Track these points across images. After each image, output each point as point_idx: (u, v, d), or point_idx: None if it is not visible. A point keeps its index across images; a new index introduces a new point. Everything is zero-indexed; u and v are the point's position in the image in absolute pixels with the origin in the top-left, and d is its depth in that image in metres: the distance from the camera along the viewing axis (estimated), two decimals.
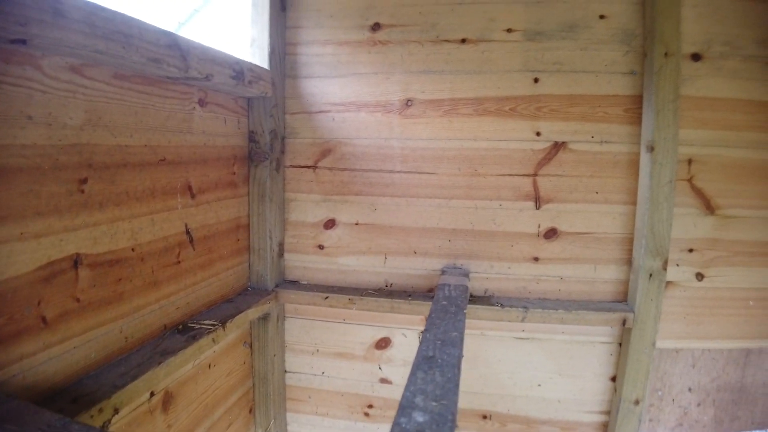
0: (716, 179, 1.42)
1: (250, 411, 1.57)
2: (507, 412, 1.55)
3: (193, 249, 1.22)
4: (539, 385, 1.51)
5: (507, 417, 1.55)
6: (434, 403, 0.60)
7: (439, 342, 0.84)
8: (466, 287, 1.29)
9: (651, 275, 1.38)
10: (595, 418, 1.53)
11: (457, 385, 0.66)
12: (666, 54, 1.33)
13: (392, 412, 1.60)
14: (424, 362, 0.74)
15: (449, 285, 1.27)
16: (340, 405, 1.62)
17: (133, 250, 0.99)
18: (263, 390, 1.56)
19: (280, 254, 1.55)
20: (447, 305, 1.09)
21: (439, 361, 0.75)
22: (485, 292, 1.47)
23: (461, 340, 0.85)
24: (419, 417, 0.55)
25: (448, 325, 0.94)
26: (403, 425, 0.54)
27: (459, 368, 0.72)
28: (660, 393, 1.54)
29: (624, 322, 1.40)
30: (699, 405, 1.57)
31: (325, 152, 1.51)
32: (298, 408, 1.65)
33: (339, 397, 1.61)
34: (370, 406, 1.60)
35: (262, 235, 1.47)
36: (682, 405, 1.57)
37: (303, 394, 1.64)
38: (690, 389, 1.55)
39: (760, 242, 1.44)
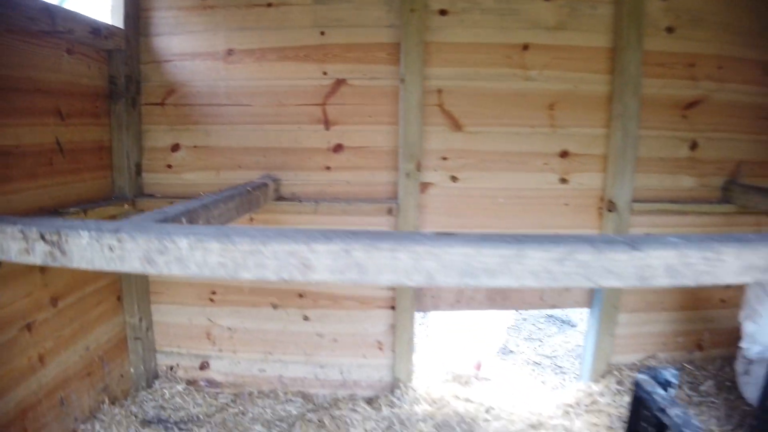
0: (462, 104, 2.41)
1: (119, 299, 2.54)
2: (318, 291, 2.53)
3: (63, 157, 2.20)
4: None
5: (318, 294, 2.54)
6: None
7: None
8: (266, 183, 2.27)
9: (408, 175, 2.37)
10: (384, 294, 2.51)
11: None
12: (411, 10, 2.32)
13: (232, 297, 2.57)
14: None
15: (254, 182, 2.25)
16: (190, 294, 2.59)
17: (17, 147, 1.96)
18: (128, 282, 2.53)
19: (138, 173, 2.54)
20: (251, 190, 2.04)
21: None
22: (292, 195, 2.46)
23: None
24: None
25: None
26: None
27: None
28: None
29: (390, 211, 2.38)
30: None
31: (171, 92, 2.50)
32: (159, 300, 2.62)
33: (189, 288, 2.58)
34: (214, 293, 2.58)
35: (120, 156, 2.46)
36: None
37: (162, 287, 2.61)
38: None
39: (500, 152, 2.44)
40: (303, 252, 1.02)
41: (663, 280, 1.18)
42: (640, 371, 1.98)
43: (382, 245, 1.02)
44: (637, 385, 1.92)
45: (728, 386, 2.57)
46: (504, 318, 3.23)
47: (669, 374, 2.03)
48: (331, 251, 1.02)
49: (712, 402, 2.52)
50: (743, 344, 2.30)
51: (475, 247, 1.05)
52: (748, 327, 2.31)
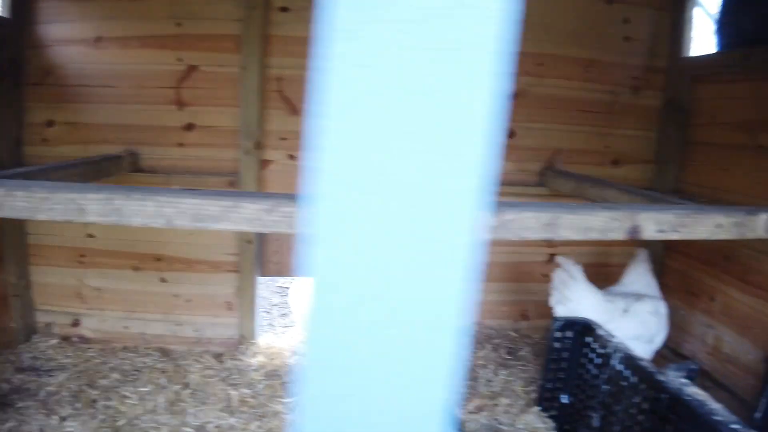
0: (299, 91, 2.72)
1: (0, 260, 2.86)
2: (174, 255, 2.83)
3: None
4: (191, 234, 2.79)
5: (174, 258, 2.84)
6: None
7: None
8: (119, 155, 2.59)
9: (247, 152, 2.68)
10: (232, 259, 2.81)
11: None
12: (252, 7, 2.64)
13: (99, 259, 2.89)
14: None
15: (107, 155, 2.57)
16: (62, 257, 2.90)
17: None
18: (8, 245, 2.85)
19: (17, 145, 2.86)
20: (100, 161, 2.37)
21: None
22: (149, 168, 2.78)
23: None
24: None
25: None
26: None
27: None
28: (279, 241, 2.82)
29: (232, 184, 2.69)
30: None
31: (48, 74, 2.83)
32: (36, 261, 2.94)
33: (61, 251, 2.90)
34: (83, 255, 2.89)
35: (1, 130, 2.79)
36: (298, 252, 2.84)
37: (38, 251, 2.93)
38: None
39: None
40: (79, 200, 1.35)
41: None
42: None
43: (134, 196, 1.36)
44: None
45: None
46: None
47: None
48: (98, 199, 1.35)
49: (523, 366, 2.80)
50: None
51: (203, 198, 1.37)
52: (559, 311, 2.57)
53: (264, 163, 2.76)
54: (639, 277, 2.73)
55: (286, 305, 3.60)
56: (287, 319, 3.45)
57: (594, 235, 1.60)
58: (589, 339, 2.36)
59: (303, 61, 2.73)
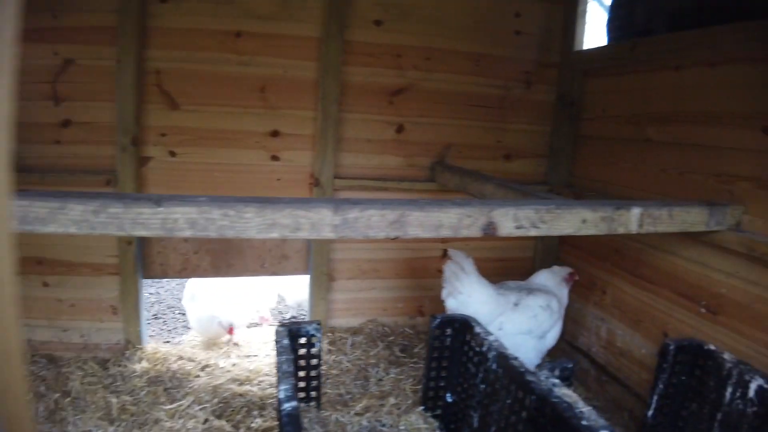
0: (179, 85, 2.64)
1: None
2: (54, 258, 2.73)
3: None
4: (72, 236, 2.69)
5: (55, 261, 2.74)
6: None
7: None
8: None
9: (124, 149, 2.59)
10: (113, 261, 2.72)
11: None
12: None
13: None
14: None
15: None
16: None
17: None
18: None
19: None
20: None
21: None
22: (26, 167, 2.67)
23: None
24: None
25: None
26: None
27: None
28: (163, 242, 2.74)
29: (109, 182, 2.60)
30: (196, 253, 2.77)
31: None
32: None
33: None
34: None
35: None
36: (182, 252, 2.77)
37: None
38: (186, 240, 2.74)
39: (216, 130, 2.67)
40: None
41: (187, 232, 1.45)
42: (280, 324, 2.21)
43: None
44: (277, 334, 2.15)
45: None
46: (271, 285, 3.41)
47: (311, 328, 2.27)
48: None
49: (415, 363, 2.76)
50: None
51: (31, 200, 1.31)
52: (450, 303, 2.53)
53: (143, 160, 2.67)
54: (551, 274, 2.69)
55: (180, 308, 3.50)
56: (178, 322, 3.36)
57: (446, 233, 1.56)
58: (468, 337, 2.33)
59: (183, 53, 2.66)
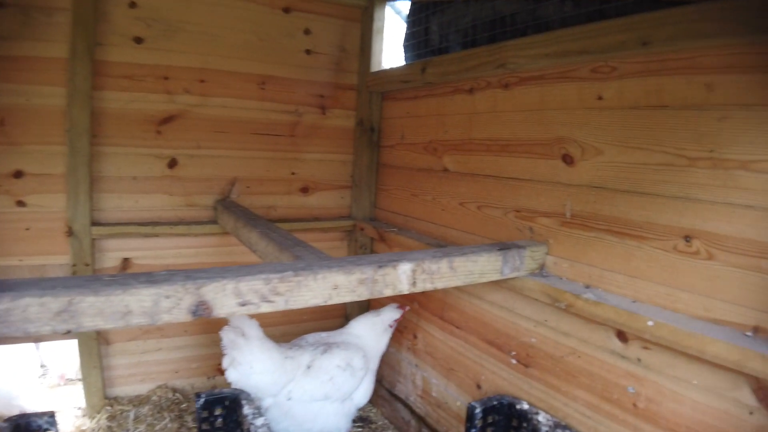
0: None
1: None
2: None
3: None
4: None
5: None
6: None
7: None
8: None
9: None
10: None
11: None
12: None
13: None
14: None
15: None
16: None
17: None
18: None
19: None
20: None
21: None
22: None
23: None
24: None
25: None
26: None
27: None
28: None
29: None
30: None
31: None
32: None
33: None
34: None
35: None
36: None
37: None
38: None
39: None
40: None
41: None
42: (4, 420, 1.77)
43: None
44: None
45: None
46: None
47: (43, 421, 1.84)
48: None
49: None
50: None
51: None
52: (230, 376, 2.14)
53: None
54: (373, 322, 2.41)
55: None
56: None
57: (139, 321, 1.18)
58: (241, 417, 2.00)
59: None
